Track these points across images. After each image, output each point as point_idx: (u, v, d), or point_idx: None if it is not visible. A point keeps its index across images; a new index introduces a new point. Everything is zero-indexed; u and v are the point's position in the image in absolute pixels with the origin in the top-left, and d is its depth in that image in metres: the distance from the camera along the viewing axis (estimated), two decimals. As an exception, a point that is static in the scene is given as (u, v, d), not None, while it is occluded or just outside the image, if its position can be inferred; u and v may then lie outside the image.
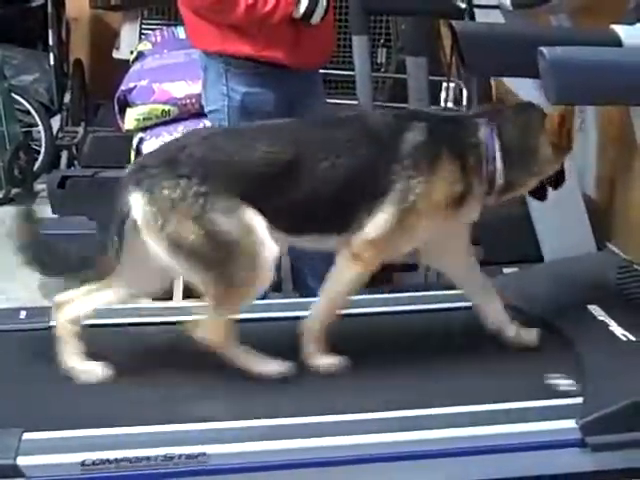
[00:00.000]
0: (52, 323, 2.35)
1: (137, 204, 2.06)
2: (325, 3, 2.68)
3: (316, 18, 2.68)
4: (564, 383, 2.12)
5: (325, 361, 2.20)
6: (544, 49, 1.78)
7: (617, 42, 1.96)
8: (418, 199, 2.13)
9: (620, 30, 1.99)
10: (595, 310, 2.44)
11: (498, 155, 2.20)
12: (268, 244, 2.09)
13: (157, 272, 2.17)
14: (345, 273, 2.19)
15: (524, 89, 2.61)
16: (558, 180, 2.35)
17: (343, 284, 2.21)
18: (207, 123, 3.21)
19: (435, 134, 2.18)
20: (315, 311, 2.24)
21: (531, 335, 2.33)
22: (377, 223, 2.14)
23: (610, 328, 2.34)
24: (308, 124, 2.32)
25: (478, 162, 2.20)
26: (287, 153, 2.12)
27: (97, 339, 2.25)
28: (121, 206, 2.08)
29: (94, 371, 2.15)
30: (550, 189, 2.35)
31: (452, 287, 2.48)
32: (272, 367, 2.16)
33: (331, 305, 2.23)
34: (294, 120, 2.36)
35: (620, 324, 2.35)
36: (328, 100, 3.23)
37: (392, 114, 2.33)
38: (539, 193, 2.36)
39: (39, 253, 2.20)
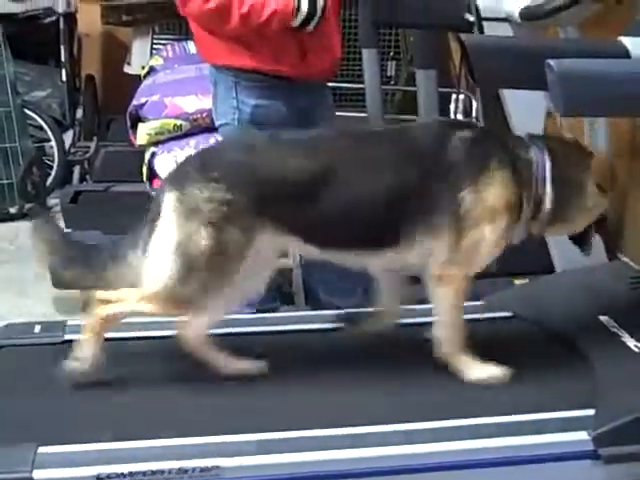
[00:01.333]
0: (67, 337, 2.38)
1: (169, 200, 2.09)
2: (321, 8, 2.64)
3: (312, 25, 2.66)
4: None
5: (487, 371, 2.18)
6: (552, 61, 1.79)
7: (625, 54, 1.97)
8: (474, 208, 2.09)
9: (628, 42, 2.00)
10: (607, 321, 2.43)
11: (549, 176, 2.16)
12: (258, 268, 2.13)
13: None
14: (444, 300, 2.18)
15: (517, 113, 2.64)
16: (602, 225, 2.31)
17: (450, 308, 2.19)
18: (218, 137, 3.23)
19: (485, 145, 2.15)
20: (447, 343, 2.20)
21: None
22: (441, 240, 2.11)
23: (622, 339, 2.34)
24: (350, 134, 2.27)
25: (528, 178, 2.16)
26: (327, 165, 2.09)
27: (109, 352, 2.26)
28: (155, 203, 2.11)
29: None
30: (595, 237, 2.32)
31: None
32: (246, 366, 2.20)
33: (454, 330, 2.20)
34: (332, 131, 2.35)
35: (632, 335, 2.34)
36: (338, 113, 3.25)
37: (437, 124, 2.30)
38: (582, 239, 2.32)
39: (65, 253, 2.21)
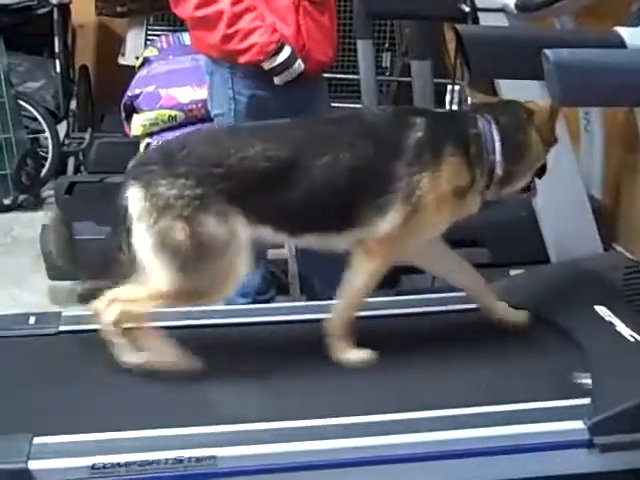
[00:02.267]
0: (61, 328, 2.37)
1: (133, 198, 2.09)
2: (297, 70, 2.69)
3: (284, 78, 2.69)
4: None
5: (355, 355, 2.21)
6: (548, 51, 1.79)
7: (621, 44, 1.97)
8: (425, 194, 2.15)
9: (624, 32, 2.00)
10: (602, 311, 2.44)
11: (498, 146, 2.22)
12: (245, 260, 2.12)
13: None
14: (362, 271, 2.21)
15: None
16: (542, 171, 2.38)
17: (361, 281, 2.23)
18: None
19: (435, 128, 2.20)
20: (337, 310, 2.26)
21: (520, 315, 2.37)
22: (388, 220, 2.15)
23: (617, 329, 2.34)
24: (307, 123, 2.33)
25: (479, 153, 2.22)
26: (286, 152, 2.14)
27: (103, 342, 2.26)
28: (121, 200, 2.12)
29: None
30: (536, 180, 2.38)
31: (459, 289, 2.49)
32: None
33: (352, 302, 2.25)
34: (293, 120, 2.37)
35: (627, 325, 2.34)
36: (333, 104, 3.25)
37: (390, 111, 2.35)
38: (528, 187, 2.39)
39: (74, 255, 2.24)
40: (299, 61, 2.70)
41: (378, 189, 2.16)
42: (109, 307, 2.16)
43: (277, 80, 2.70)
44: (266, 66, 2.68)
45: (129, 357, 2.15)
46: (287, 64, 2.68)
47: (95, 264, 2.28)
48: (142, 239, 2.09)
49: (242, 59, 2.70)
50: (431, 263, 2.45)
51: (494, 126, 2.23)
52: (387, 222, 2.16)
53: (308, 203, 2.14)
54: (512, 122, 2.26)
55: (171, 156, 2.13)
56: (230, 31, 2.64)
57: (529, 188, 2.40)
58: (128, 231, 2.11)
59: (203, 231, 2.07)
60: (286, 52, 2.67)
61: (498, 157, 2.23)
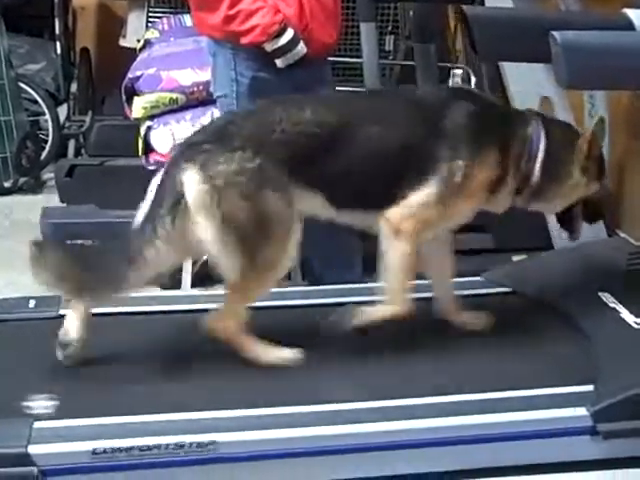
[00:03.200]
0: (62, 312, 2.36)
1: (191, 182, 2.03)
2: (299, 54, 2.65)
3: (286, 61, 2.66)
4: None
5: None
6: (556, 33, 1.77)
7: (629, 26, 1.95)
8: (460, 179, 2.12)
9: (632, 14, 1.98)
10: (605, 297, 2.43)
11: (540, 155, 2.19)
12: (297, 230, 2.09)
13: (182, 254, 2.19)
14: (392, 250, 2.16)
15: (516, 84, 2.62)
16: (593, 215, 2.36)
17: (395, 262, 2.17)
18: (215, 110, 3.19)
19: (485, 117, 2.17)
20: (386, 298, 2.20)
21: (480, 319, 2.33)
22: (419, 197, 2.12)
23: (621, 315, 2.33)
24: (352, 95, 2.34)
25: (519, 155, 2.19)
26: (333, 120, 2.11)
27: (110, 328, 2.25)
28: (173, 186, 2.04)
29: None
30: (583, 223, 2.35)
31: (461, 274, 2.48)
32: (282, 355, 2.15)
33: (394, 285, 2.19)
34: (340, 92, 2.35)
35: (631, 311, 2.33)
36: (336, 87, 3.22)
37: (443, 91, 2.33)
38: (570, 224, 2.35)
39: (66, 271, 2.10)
40: (302, 44, 2.67)
41: (417, 168, 2.13)
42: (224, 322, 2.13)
43: (279, 63, 2.68)
44: (268, 48, 2.66)
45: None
46: (289, 47, 2.65)
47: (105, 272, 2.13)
48: (207, 224, 2.02)
49: (244, 40, 2.67)
50: (431, 253, 2.37)
51: (543, 135, 2.20)
52: (416, 199, 2.12)
53: (352, 176, 2.12)
54: (561, 138, 2.24)
55: (222, 132, 2.09)
56: (232, 12, 2.62)
57: (572, 227, 2.35)
58: (175, 217, 2.03)
59: (267, 207, 2.03)
60: (289, 34, 2.64)
61: (538, 165, 2.20)
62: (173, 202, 2.05)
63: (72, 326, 2.15)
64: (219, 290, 2.28)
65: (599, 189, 2.32)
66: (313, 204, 2.15)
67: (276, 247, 2.07)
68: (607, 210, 2.42)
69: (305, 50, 2.67)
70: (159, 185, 2.09)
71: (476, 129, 2.15)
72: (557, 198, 2.29)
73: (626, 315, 2.32)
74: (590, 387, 2.01)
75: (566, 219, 2.36)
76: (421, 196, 2.13)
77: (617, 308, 2.37)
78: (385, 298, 2.20)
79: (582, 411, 1.96)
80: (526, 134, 2.20)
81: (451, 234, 2.34)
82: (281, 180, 2.05)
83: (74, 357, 2.13)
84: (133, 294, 2.33)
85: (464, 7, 2.10)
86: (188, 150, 2.10)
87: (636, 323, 2.28)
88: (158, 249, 2.06)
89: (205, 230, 2.03)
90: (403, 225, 2.14)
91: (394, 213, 2.14)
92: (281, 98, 2.29)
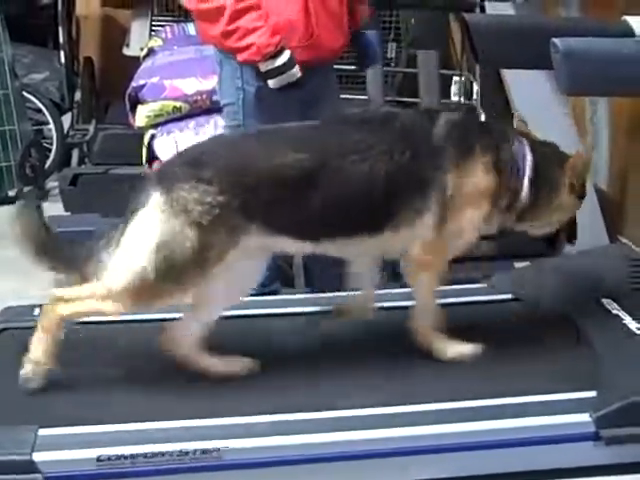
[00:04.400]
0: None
1: (155, 198, 2.04)
2: (296, 75, 2.66)
3: (278, 82, 2.66)
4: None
5: (460, 349, 2.20)
6: (557, 40, 1.78)
7: (630, 33, 1.95)
8: (456, 193, 2.12)
9: (633, 21, 1.98)
10: (608, 303, 2.43)
11: (528, 171, 2.19)
12: (214, 275, 2.06)
13: None
14: (422, 285, 2.21)
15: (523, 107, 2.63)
16: (572, 233, 2.37)
17: (425, 294, 2.22)
18: (218, 119, 3.21)
19: (471, 132, 2.17)
20: (420, 323, 2.22)
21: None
22: (426, 226, 2.13)
23: (624, 321, 2.33)
24: (336, 128, 2.23)
25: (508, 169, 2.18)
26: (311, 160, 2.07)
27: (111, 335, 2.25)
28: (137, 202, 2.06)
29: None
30: (564, 242, 2.39)
31: (465, 282, 2.48)
32: (234, 366, 2.14)
33: (431, 313, 2.22)
34: (316, 122, 2.30)
35: (634, 317, 2.34)
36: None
37: (422, 112, 2.33)
38: (554, 244, 2.38)
39: (49, 248, 2.15)
40: (296, 68, 2.66)
41: (410, 191, 2.11)
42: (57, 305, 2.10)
43: (272, 83, 2.67)
44: (262, 68, 2.66)
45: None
46: (284, 69, 2.65)
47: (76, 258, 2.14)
48: (146, 232, 2.03)
49: (240, 57, 2.69)
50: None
51: (529, 151, 2.20)
52: (424, 225, 2.13)
53: (338, 207, 2.09)
54: (547, 157, 2.24)
55: (197, 160, 2.08)
56: (230, 27, 2.63)
57: (555, 245, 2.38)
58: (126, 226, 2.04)
59: (208, 241, 2.01)
60: (285, 57, 2.64)
61: (525, 182, 2.19)
62: (131, 214, 2.06)
63: (41, 350, 2.11)
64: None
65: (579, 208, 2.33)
66: (283, 242, 2.13)
67: (187, 272, 2.03)
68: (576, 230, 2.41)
69: (299, 74, 2.66)
70: (132, 198, 2.10)
71: (462, 142, 2.14)
72: (546, 218, 2.29)
73: (629, 321, 2.33)
74: (593, 393, 2.01)
75: (554, 240, 2.40)
76: (429, 226, 2.12)
77: (620, 315, 2.37)
78: (422, 323, 2.22)
79: (585, 417, 1.95)
80: (512, 149, 2.19)
81: None
82: (235, 220, 2.03)
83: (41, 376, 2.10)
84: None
85: (465, 15, 2.11)
86: (160, 172, 2.13)
87: (639, 329, 2.28)
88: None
89: (142, 237, 2.03)
90: (425, 257, 2.16)
91: (416, 253, 2.16)
92: (268, 133, 2.25)
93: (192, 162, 2.08)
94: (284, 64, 2.65)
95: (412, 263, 2.19)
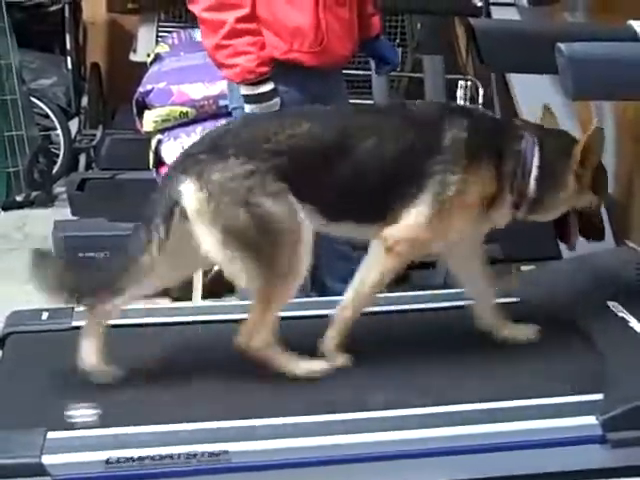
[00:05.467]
0: (74, 323, 2.38)
1: (188, 192, 2.04)
2: (274, 108, 2.67)
3: (252, 109, 2.68)
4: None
5: (312, 365, 2.17)
6: (562, 45, 1.78)
7: (635, 37, 1.96)
8: (454, 195, 2.12)
9: (637, 25, 1.99)
10: (614, 306, 2.43)
11: (535, 169, 2.18)
12: (308, 230, 2.08)
13: (186, 266, 2.22)
14: (377, 265, 2.18)
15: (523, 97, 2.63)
16: (591, 231, 2.33)
17: (375, 277, 2.20)
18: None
19: (478, 133, 2.17)
20: (344, 302, 2.23)
21: (526, 331, 2.33)
22: (412, 217, 2.13)
23: (630, 324, 2.33)
24: (349, 110, 2.32)
25: (514, 170, 2.18)
26: (328, 135, 2.12)
27: (118, 339, 2.26)
28: (170, 196, 2.06)
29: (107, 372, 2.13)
30: (580, 237, 2.32)
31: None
32: (311, 367, 2.15)
33: (361, 296, 2.22)
34: (335, 106, 2.37)
35: (639, 320, 2.34)
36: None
37: (437, 106, 2.33)
38: (565, 235, 2.33)
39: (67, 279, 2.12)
40: (277, 100, 2.68)
41: (408, 183, 2.13)
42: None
43: (247, 108, 2.70)
44: (242, 90, 2.69)
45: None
46: (262, 99, 2.67)
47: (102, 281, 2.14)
48: (208, 233, 2.03)
49: (223, 72, 2.74)
50: (462, 271, 2.39)
51: (536, 147, 2.19)
52: (409, 218, 2.13)
53: (345, 188, 2.12)
54: (555, 149, 2.22)
55: (217, 142, 2.11)
56: (223, 43, 2.65)
57: (568, 236, 2.33)
58: (168, 227, 2.04)
59: (267, 211, 2.03)
60: (265, 88, 2.66)
61: (533, 179, 2.19)
62: (168, 212, 2.05)
63: (89, 352, 2.15)
64: (231, 301, 2.29)
65: (598, 203, 2.30)
66: (309, 213, 2.13)
67: (286, 251, 2.06)
68: (603, 228, 2.35)
69: (278, 107, 2.68)
70: (156, 196, 2.10)
71: (467, 143, 2.14)
72: (555, 208, 2.27)
73: (635, 324, 2.33)
74: (599, 396, 2.01)
75: (561, 230, 2.34)
76: (418, 216, 2.13)
77: (626, 317, 2.37)
78: (348, 303, 2.22)
79: (591, 420, 1.95)
80: (519, 149, 2.19)
81: (481, 247, 2.34)
82: (278, 186, 2.06)
83: (104, 374, 2.13)
84: (141, 305, 2.36)
85: (471, 19, 2.12)
86: (184, 162, 2.13)
87: (645, 332, 2.29)
88: (153, 257, 2.06)
89: (207, 238, 2.04)
90: (399, 246, 2.15)
91: (391, 233, 2.15)
92: (278, 112, 2.31)
93: (214, 145, 2.10)
94: (264, 94, 2.67)
95: (384, 240, 2.16)
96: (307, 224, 2.09)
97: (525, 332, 2.34)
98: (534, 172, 2.19)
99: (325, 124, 2.15)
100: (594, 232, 2.36)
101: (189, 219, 2.04)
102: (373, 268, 2.20)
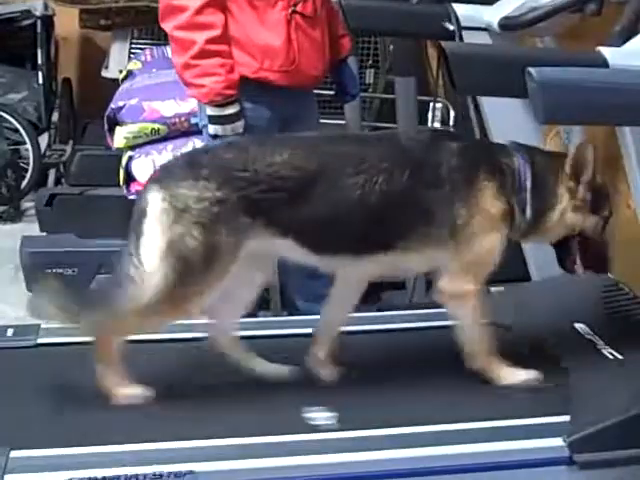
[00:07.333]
0: (40, 340, 2.35)
1: (154, 200, 2.04)
2: (237, 131, 2.68)
3: (215, 131, 2.69)
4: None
5: (520, 375, 2.21)
6: (532, 70, 1.80)
7: (603, 63, 1.99)
8: (469, 220, 2.11)
9: (606, 52, 2.02)
10: (582, 328, 2.45)
11: (529, 184, 2.17)
12: (232, 270, 2.06)
13: None
14: (464, 316, 2.20)
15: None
16: (592, 261, 2.28)
17: (471, 325, 2.21)
18: (197, 140, 3.22)
19: (475, 157, 2.16)
20: (476, 352, 2.22)
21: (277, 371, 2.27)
22: (446, 253, 2.13)
23: (597, 346, 2.36)
24: (341, 139, 2.27)
25: (513, 187, 2.17)
26: (315, 166, 2.07)
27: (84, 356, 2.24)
28: (140, 204, 2.06)
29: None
30: (582, 267, 2.28)
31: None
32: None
33: (482, 343, 2.22)
34: (323, 134, 2.35)
35: (606, 342, 2.36)
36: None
37: (427, 134, 2.33)
38: (566, 262, 2.29)
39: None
40: (240, 124, 2.69)
41: (420, 216, 2.10)
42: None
43: (211, 129, 2.70)
44: (208, 111, 2.69)
45: None
46: (226, 121, 2.67)
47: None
48: (153, 239, 2.02)
49: (189, 92, 2.75)
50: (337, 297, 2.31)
51: (528, 165, 2.18)
52: (445, 254, 2.13)
53: (337, 220, 2.08)
54: (547, 166, 2.21)
55: (195, 160, 2.10)
56: (192, 62, 2.65)
57: (569, 262, 2.28)
58: (139, 235, 2.04)
59: (214, 241, 2.01)
60: (231, 110, 2.67)
61: (528, 197, 2.17)
62: (138, 221, 2.05)
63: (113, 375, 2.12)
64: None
65: (600, 225, 2.25)
66: (286, 249, 2.12)
67: (210, 284, 2.05)
68: (606, 259, 2.30)
69: (241, 131, 2.69)
70: (134, 208, 2.10)
71: (469, 168, 2.13)
72: (552, 226, 2.23)
73: (602, 347, 2.35)
74: (566, 418, 2.02)
75: (562, 255, 2.30)
76: (449, 251, 2.12)
77: (593, 339, 2.39)
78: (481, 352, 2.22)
79: (559, 442, 1.96)
80: (513, 166, 2.17)
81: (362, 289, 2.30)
82: (242, 220, 2.03)
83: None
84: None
85: (443, 43, 2.13)
86: (159, 172, 2.15)
87: (611, 354, 2.30)
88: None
89: (150, 242, 2.03)
90: (456, 290, 2.16)
91: (446, 284, 2.16)
92: (264, 137, 2.30)
93: (191, 162, 2.10)
94: (229, 115, 2.67)
95: (444, 297, 2.19)
96: (236, 264, 2.05)
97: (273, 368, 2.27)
98: (528, 187, 2.17)
99: (308, 153, 2.11)
100: (596, 262, 2.30)
101: (146, 221, 2.03)
102: (466, 322, 2.20)
